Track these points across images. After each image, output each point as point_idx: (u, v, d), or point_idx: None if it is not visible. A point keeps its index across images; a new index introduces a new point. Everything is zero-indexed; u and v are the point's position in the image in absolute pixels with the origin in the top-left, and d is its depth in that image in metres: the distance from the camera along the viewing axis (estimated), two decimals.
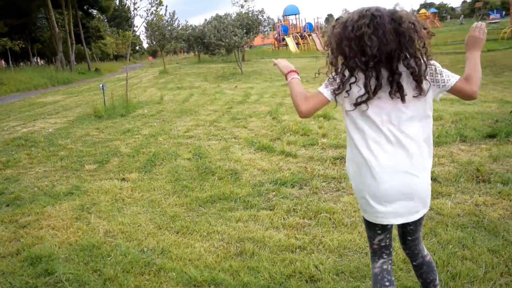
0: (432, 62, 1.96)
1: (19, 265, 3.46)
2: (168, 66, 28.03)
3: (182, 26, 27.21)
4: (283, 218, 4.01)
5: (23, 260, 3.52)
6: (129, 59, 15.50)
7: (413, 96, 1.93)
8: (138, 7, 14.86)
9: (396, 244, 2.79)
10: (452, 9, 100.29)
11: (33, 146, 7.77)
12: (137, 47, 78.46)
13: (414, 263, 2.32)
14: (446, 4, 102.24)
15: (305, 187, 4.77)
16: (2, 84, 23.12)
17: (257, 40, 37.12)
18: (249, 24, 21.43)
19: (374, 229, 2.16)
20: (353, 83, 1.95)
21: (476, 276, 2.81)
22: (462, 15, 72.57)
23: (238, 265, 3.21)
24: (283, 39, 36.71)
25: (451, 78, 2.00)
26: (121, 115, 10.41)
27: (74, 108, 13.09)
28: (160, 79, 21.37)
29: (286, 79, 2.28)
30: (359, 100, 1.94)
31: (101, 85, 11.87)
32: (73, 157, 6.80)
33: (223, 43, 19.46)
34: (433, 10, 67.34)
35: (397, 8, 1.95)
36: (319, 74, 2.20)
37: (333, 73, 2.02)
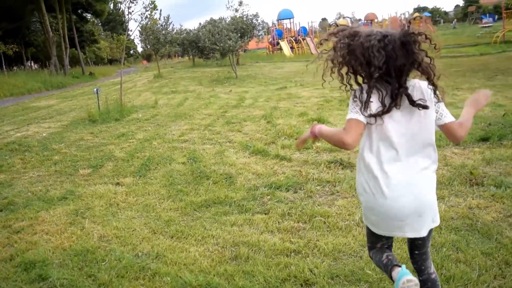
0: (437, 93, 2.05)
1: (12, 270, 3.44)
2: (163, 70, 28.01)
3: (176, 30, 27.24)
4: (278, 222, 4.01)
5: (17, 266, 3.50)
6: (124, 63, 15.48)
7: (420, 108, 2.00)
8: (132, 11, 14.87)
9: (405, 253, 2.80)
10: (445, 13, 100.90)
11: (26, 150, 7.74)
12: (131, 51, 78.44)
13: (420, 278, 2.34)
14: (439, 8, 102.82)
15: (300, 191, 4.77)
16: None
17: (252, 44, 37.19)
18: (244, 28, 21.49)
19: (379, 237, 2.25)
20: (370, 100, 1.99)
21: (470, 279, 2.83)
22: (455, 19, 73.08)
23: (233, 269, 3.21)
24: (278, 43, 36.80)
25: (448, 116, 2.10)
26: (115, 119, 10.38)
27: (68, 112, 13.05)
28: (154, 83, 21.35)
29: (315, 134, 2.28)
30: (374, 113, 1.99)
31: (95, 89, 11.85)
32: (67, 162, 6.78)
33: (218, 47, 19.49)
34: (426, 14, 67.78)
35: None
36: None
37: (356, 97, 2.04)
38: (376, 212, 2.10)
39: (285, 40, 36.13)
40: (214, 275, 3.16)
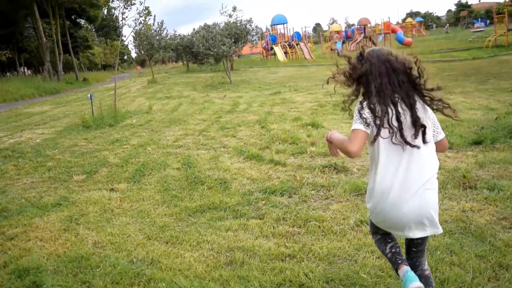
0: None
1: (6, 277, 3.42)
2: (157, 76, 27.98)
3: (170, 36, 27.21)
4: (273, 227, 4.02)
5: (11, 273, 3.48)
6: (117, 69, 15.45)
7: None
8: (126, 17, 14.85)
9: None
10: (438, 18, 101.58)
11: (20, 157, 7.70)
12: (125, 57, 78.31)
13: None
14: (431, 13, 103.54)
15: (294, 196, 4.78)
16: None
17: (246, 49, 37.24)
18: (238, 34, 21.52)
19: (383, 229, 2.42)
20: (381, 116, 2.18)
21: (464, 282, 2.84)
22: (447, 24, 73.49)
23: (228, 275, 3.21)
24: (272, 48, 36.85)
25: (442, 132, 2.40)
26: (109, 125, 10.36)
27: (62, 118, 13.00)
28: (148, 88, 21.33)
29: (328, 140, 2.46)
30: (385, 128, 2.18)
31: (89, 95, 11.82)
32: (61, 168, 6.75)
33: (212, 53, 19.51)
34: (419, 19, 68.22)
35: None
36: (327, 83, 2.46)
37: (360, 110, 2.21)
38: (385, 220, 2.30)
39: (279, 45, 36.19)
40: (209, 280, 3.16)
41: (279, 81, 18.80)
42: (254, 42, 34.78)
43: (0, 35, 35.61)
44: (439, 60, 20.53)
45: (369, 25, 41.24)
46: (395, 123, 2.16)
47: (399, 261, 2.38)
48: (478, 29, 41.97)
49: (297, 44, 36.61)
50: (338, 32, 44.86)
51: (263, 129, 8.44)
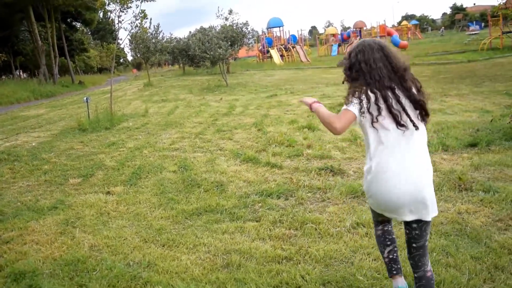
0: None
1: (2, 281, 3.41)
2: (153, 79, 27.97)
3: (166, 39, 27.27)
4: (269, 229, 4.02)
5: (7, 276, 3.47)
6: (114, 72, 15.43)
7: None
8: (122, 20, 14.83)
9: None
10: (433, 21, 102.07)
11: (16, 160, 7.68)
12: (121, 60, 78.16)
13: (416, 275, 2.44)
14: (427, 16, 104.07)
15: (291, 198, 4.79)
16: None
17: (242, 52, 37.18)
18: (234, 37, 21.56)
19: (382, 215, 2.51)
20: (374, 104, 2.27)
21: (460, 283, 2.86)
22: (443, 27, 73.94)
23: (224, 277, 3.21)
24: (268, 51, 36.94)
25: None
26: (105, 128, 10.34)
27: (58, 121, 12.97)
28: (144, 91, 21.32)
29: (311, 108, 2.48)
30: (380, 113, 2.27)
31: (85, 98, 11.79)
32: (57, 171, 6.74)
33: (208, 56, 19.52)
34: (414, 22, 68.52)
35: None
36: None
37: (356, 95, 2.28)
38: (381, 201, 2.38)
39: (275, 48, 36.28)
40: (206, 283, 3.16)
41: (275, 84, 18.83)
42: (250, 45, 34.69)
43: None
44: (434, 62, 20.61)
45: (365, 28, 41.43)
46: (396, 106, 2.25)
47: (394, 272, 2.55)
48: (473, 32, 42.21)
49: (293, 47, 36.72)
50: (334, 35, 45.06)
51: (260, 132, 8.45)
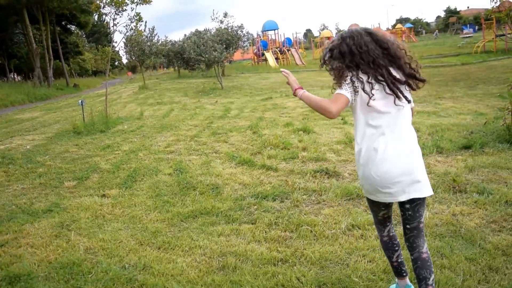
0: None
1: None
2: (148, 82, 27.94)
3: (161, 42, 27.26)
4: (265, 232, 4.03)
5: (1, 280, 3.45)
6: (108, 75, 15.40)
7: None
8: (117, 23, 14.83)
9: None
10: (427, 24, 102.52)
11: (10, 163, 7.64)
12: (116, 63, 78.09)
13: (412, 257, 2.51)
14: (421, 19, 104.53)
15: (286, 200, 4.80)
16: None
17: (237, 55, 37.32)
18: (229, 39, 21.59)
19: (379, 206, 2.55)
20: (367, 83, 2.32)
21: (454, 284, 2.87)
22: (437, 30, 74.33)
23: (220, 280, 3.21)
24: (263, 54, 36.99)
25: (412, 102, 2.51)
26: (100, 131, 10.32)
27: (53, 124, 12.93)
28: (139, 94, 21.29)
29: (296, 94, 2.54)
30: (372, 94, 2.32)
31: (80, 101, 11.76)
32: (52, 174, 6.71)
33: (203, 58, 19.53)
34: (408, 25, 68.82)
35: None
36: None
37: (347, 80, 2.32)
38: (374, 177, 2.39)
39: (270, 51, 36.34)
40: (201, 286, 3.16)
41: (270, 87, 18.86)
42: (245, 48, 34.80)
43: None
44: (428, 65, 20.71)
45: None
46: (392, 84, 2.32)
47: (404, 274, 2.66)
48: (467, 35, 42.47)
49: (288, 50, 36.77)
50: (328, 38, 45.08)
51: (255, 135, 8.46)
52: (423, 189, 2.39)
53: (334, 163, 6.00)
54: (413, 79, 2.39)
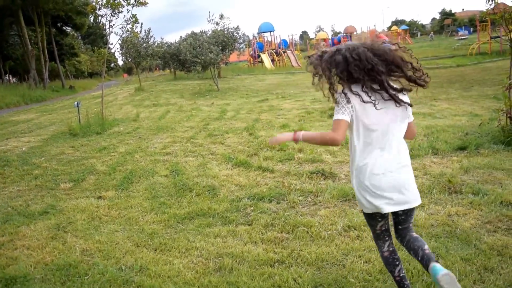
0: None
1: None
2: (144, 83, 27.92)
3: (157, 43, 27.20)
4: (261, 233, 4.04)
5: None
6: (104, 77, 15.37)
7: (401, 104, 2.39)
8: (113, 24, 14.81)
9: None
10: (422, 26, 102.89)
11: (6, 165, 7.62)
12: (112, 65, 77.94)
13: (404, 244, 2.58)
14: (416, 21, 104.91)
15: (283, 202, 4.81)
16: None
17: (233, 57, 37.32)
18: (225, 41, 21.61)
19: (376, 218, 2.55)
20: (363, 92, 2.34)
21: None
22: (432, 32, 74.59)
23: (217, 281, 3.22)
24: (259, 56, 37.03)
25: (412, 116, 2.53)
26: (96, 133, 10.30)
27: (48, 126, 12.90)
28: (135, 96, 21.27)
29: (297, 139, 2.49)
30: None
31: (75, 102, 11.74)
32: (47, 176, 6.70)
33: (199, 60, 19.53)
34: (404, 27, 69.04)
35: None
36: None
37: (342, 97, 2.36)
38: (367, 191, 2.42)
39: (266, 52, 36.38)
40: (198, 287, 3.17)
41: (266, 89, 18.88)
42: (241, 49, 34.84)
43: None
44: (424, 67, 20.71)
45: (355, 33, 41.65)
46: (391, 90, 2.35)
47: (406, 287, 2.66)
48: (462, 37, 42.63)
49: (284, 52, 36.81)
50: (324, 39, 45.24)
51: (251, 136, 8.46)
52: (412, 203, 2.44)
53: (330, 164, 6.01)
54: (413, 83, 2.46)
